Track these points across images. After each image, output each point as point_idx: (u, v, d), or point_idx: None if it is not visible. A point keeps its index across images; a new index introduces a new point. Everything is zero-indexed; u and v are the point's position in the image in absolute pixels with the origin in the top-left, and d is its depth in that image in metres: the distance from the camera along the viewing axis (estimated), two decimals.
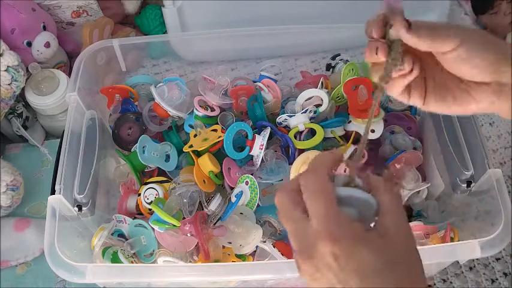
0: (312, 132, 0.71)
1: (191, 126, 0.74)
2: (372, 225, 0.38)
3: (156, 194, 0.67)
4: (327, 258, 0.35)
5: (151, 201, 0.67)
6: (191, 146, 0.68)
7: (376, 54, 0.44)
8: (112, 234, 0.65)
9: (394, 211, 0.37)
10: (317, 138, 0.68)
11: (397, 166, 0.67)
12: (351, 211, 0.37)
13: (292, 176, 0.65)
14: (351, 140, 0.70)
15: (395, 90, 0.47)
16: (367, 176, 0.39)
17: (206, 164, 0.67)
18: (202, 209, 0.66)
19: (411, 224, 0.64)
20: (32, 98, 0.79)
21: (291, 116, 0.71)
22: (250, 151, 0.69)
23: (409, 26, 0.42)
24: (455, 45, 0.42)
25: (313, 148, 0.68)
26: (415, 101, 0.47)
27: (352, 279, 0.34)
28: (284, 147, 0.71)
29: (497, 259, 0.75)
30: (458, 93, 0.45)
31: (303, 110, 0.71)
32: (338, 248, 0.34)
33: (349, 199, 0.37)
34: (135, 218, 0.68)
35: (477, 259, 0.75)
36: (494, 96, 0.43)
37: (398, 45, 0.43)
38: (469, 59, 0.42)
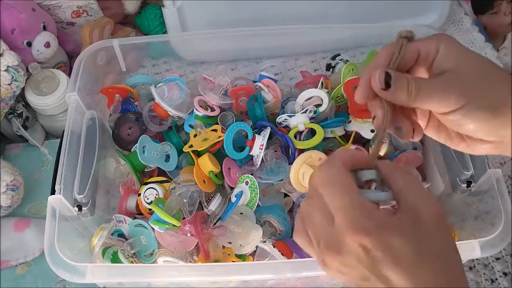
0: (312, 132, 0.71)
1: (191, 126, 0.74)
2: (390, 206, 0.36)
3: (156, 194, 0.67)
4: (357, 252, 0.33)
5: (151, 201, 0.67)
6: (191, 146, 0.68)
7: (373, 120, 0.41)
8: (112, 234, 0.65)
9: (415, 189, 0.35)
10: (317, 138, 0.68)
11: None
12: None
13: (292, 176, 0.65)
14: (351, 140, 0.70)
15: None
16: (378, 167, 0.38)
17: (206, 164, 0.67)
18: (202, 209, 0.66)
19: None
20: (32, 98, 0.79)
21: (291, 116, 0.71)
22: (250, 151, 0.69)
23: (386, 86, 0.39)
24: (455, 107, 0.39)
25: (313, 148, 0.68)
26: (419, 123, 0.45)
27: (389, 270, 0.32)
28: (284, 147, 0.71)
29: (497, 259, 0.75)
30: (455, 137, 0.43)
31: (303, 110, 0.71)
32: (368, 240, 0.32)
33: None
34: (135, 218, 0.68)
35: (477, 259, 0.75)
36: (492, 149, 0.41)
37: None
38: (468, 123, 0.39)
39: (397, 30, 0.43)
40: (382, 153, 0.41)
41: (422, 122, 0.45)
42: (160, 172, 0.73)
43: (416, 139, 0.44)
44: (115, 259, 0.62)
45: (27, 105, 0.82)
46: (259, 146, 0.68)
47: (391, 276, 0.33)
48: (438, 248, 0.34)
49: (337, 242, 0.34)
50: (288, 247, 0.62)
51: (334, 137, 0.72)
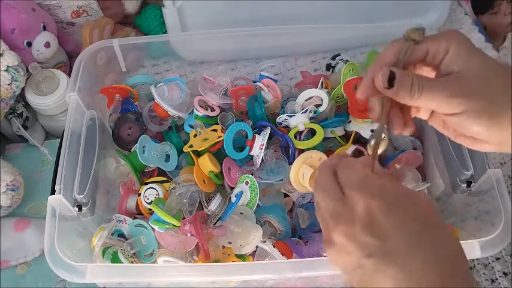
0: (312, 132, 0.71)
1: (191, 126, 0.74)
2: None
3: (156, 194, 0.67)
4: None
5: (151, 201, 0.67)
6: (191, 146, 0.68)
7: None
8: (112, 234, 0.65)
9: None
10: (317, 138, 0.68)
11: (397, 166, 0.68)
12: None
13: (292, 176, 0.65)
14: (351, 140, 0.70)
15: None
16: None
17: (206, 164, 0.67)
18: (202, 209, 0.66)
19: None
20: (32, 98, 0.79)
21: (291, 116, 0.71)
22: (250, 151, 0.69)
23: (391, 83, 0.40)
24: (457, 111, 0.39)
25: (313, 148, 0.68)
26: (421, 115, 0.46)
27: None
28: (284, 147, 0.71)
29: (497, 259, 0.75)
30: (458, 134, 0.43)
31: (303, 110, 0.71)
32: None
33: None
34: (135, 218, 0.68)
35: (477, 259, 0.75)
36: (493, 148, 0.42)
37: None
38: (470, 127, 0.40)
39: (397, 30, 0.43)
40: (380, 150, 0.42)
41: (425, 112, 0.45)
42: (160, 172, 0.73)
43: (406, 133, 0.45)
44: (115, 259, 0.62)
45: (27, 105, 0.82)
46: (259, 146, 0.68)
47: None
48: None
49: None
50: (288, 247, 0.62)
51: (334, 137, 0.72)
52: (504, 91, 0.40)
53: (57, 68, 0.85)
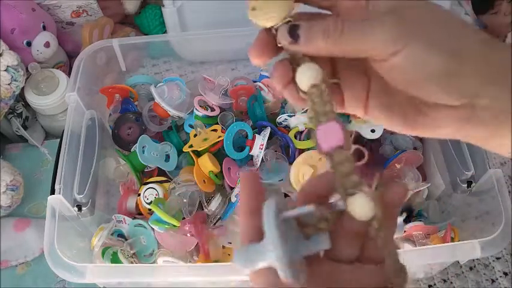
0: (312, 132, 0.71)
1: (191, 126, 0.74)
2: None
3: (156, 194, 0.67)
4: None
5: (151, 201, 0.67)
6: (191, 146, 0.68)
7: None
8: (112, 234, 0.65)
9: None
10: None
11: (397, 166, 0.67)
12: None
13: (292, 176, 0.64)
14: (350, 140, 0.70)
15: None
16: None
17: (206, 164, 0.67)
18: (202, 209, 0.66)
19: (411, 224, 0.64)
20: (32, 98, 0.79)
21: (291, 116, 0.71)
22: (250, 151, 0.69)
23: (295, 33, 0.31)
24: (400, 46, 0.28)
25: (313, 148, 0.68)
26: (353, 110, 0.34)
27: None
28: (284, 147, 0.71)
29: (497, 258, 0.75)
30: (409, 111, 0.32)
31: (303, 110, 0.71)
32: None
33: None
34: (134, 218, 0.68)
35: (477, 259, 0.75)
36: (462, 122, 0.30)
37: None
38: (420, 69, 0.28)
39: None
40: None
41: (359, 99, 0.34)
42: (160, 172, 0.73)
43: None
44: (115, 259, 0.62)
45: (27, 105, 0.82)
46: (259, 146, 0.68)
47: None
48: None
49: None
50: None
51: None
52: (462, 30, 0.29)
53: (57, 68, 0.85)
